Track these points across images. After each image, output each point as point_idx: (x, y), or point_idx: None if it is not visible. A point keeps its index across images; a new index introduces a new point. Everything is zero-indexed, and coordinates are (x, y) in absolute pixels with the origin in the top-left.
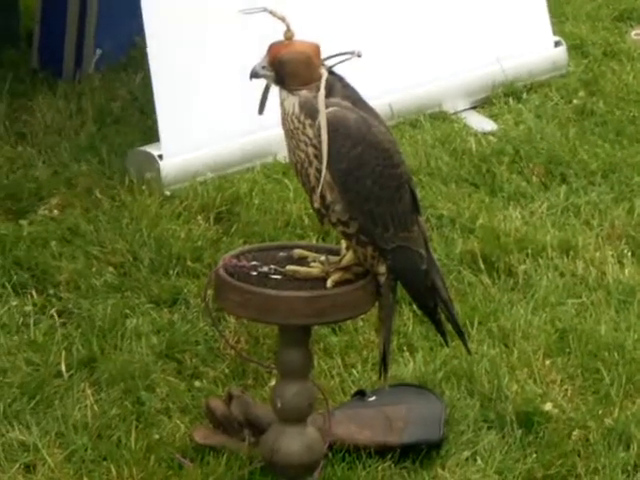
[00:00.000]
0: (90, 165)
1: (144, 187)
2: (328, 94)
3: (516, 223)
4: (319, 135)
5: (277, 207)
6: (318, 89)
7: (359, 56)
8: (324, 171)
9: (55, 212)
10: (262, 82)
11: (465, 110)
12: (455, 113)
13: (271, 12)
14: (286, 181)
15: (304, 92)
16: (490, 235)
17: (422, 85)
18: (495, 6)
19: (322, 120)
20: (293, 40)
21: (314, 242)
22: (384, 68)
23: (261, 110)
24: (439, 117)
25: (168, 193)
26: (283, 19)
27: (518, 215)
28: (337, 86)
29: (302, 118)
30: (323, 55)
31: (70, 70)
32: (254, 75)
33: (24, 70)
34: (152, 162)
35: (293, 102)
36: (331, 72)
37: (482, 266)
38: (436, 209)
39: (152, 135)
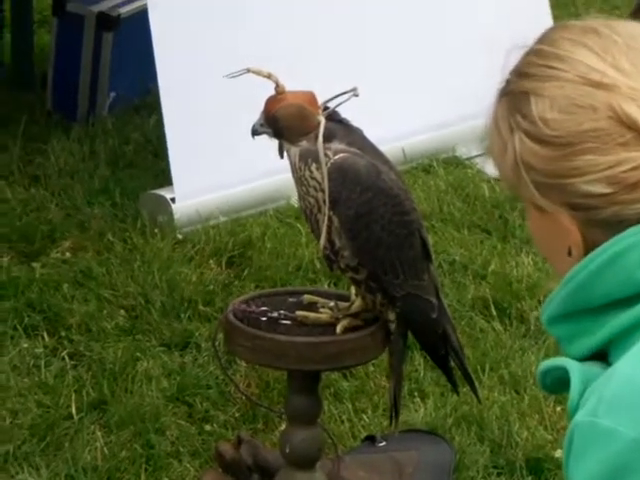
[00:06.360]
0: (103, 208)
1: (156, 230)
2: (331, 140)
3: (528, 269)
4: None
5: (289, 251)
6: (317, 137)
7: (356, 95)
8: (326, 219)
9: (67, 255)
10: None
11: (478, 156)
12: (468, 159)
13: (255, 72)
14: (298, 225)
15: (304, 142)
16: (502, 281)
17: (436, 130)
18: None
19: (323, 167)
20: (285, 93)
21: (326, 287)
22: (398, 112)
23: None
24: (452, 162)
25: (180, 236)
26: (269, 76)
27: (530, 261)
28: (340, 132)
29: (306, 166)
30: (322, 99)
31: (84, 113)
32: (254, 133)
33: (38, 113)
34: (165, 205)
35: (295, 153)
36: (333, 118)
37: (494, 312)
38: (448, 255)
39: (165, 178)
